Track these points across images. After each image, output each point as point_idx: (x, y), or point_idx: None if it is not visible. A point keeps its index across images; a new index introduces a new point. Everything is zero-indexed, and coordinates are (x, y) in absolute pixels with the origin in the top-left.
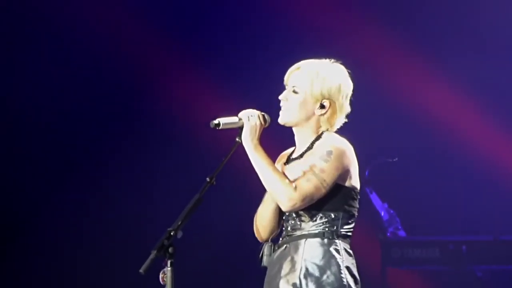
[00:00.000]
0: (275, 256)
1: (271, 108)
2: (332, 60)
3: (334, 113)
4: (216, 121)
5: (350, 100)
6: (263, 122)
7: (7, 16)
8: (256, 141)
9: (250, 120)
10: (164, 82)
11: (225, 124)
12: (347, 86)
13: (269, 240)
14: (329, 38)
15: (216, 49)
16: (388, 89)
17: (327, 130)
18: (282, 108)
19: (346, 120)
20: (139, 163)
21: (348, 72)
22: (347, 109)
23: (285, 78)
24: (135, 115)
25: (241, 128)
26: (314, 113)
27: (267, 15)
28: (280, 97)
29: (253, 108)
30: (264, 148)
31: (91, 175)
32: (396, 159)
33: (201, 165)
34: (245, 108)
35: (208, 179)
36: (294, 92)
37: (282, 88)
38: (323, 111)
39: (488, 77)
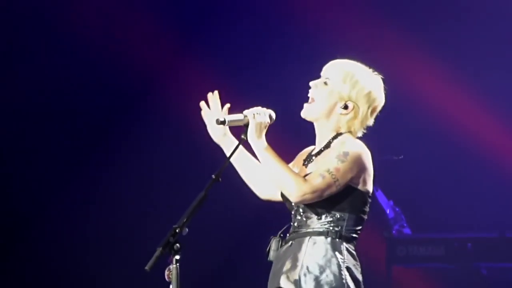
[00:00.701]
0: (281, 252)
1: (272, 106)
2: (375, 72)
3: (355, 117)
4: (221, 118)
5: (377, 116)
6: (269, 120)
7: (5, 14)
8: (262, 138)
9: (256, 117)
10: (165, 81)
11: (231, 121)
12: (377, 99)
13: (278, 235)
14: (335, 36)
15: (218, 47)
16: (395, 87)
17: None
18: (309, 100)
19: (365, 131)
20: (140, 162)
21: (385, 88)
22: (369, 121)
23: (323, 68)
24: (136, 114)
25: (246, 125)
26: (335, 111)
27: (268, 14)
28: (310, 83)
29: (256, 105)
30: (271, 144)
31: (91, 174)
32: (402, 156)
33: (205, 163)
34: (246, 106)
35: (213, 176)
36: (325, 83)
37: (283, 87)
38: (345, 111)
39: (497, 77)
